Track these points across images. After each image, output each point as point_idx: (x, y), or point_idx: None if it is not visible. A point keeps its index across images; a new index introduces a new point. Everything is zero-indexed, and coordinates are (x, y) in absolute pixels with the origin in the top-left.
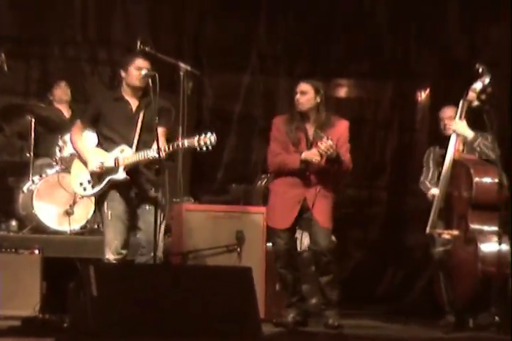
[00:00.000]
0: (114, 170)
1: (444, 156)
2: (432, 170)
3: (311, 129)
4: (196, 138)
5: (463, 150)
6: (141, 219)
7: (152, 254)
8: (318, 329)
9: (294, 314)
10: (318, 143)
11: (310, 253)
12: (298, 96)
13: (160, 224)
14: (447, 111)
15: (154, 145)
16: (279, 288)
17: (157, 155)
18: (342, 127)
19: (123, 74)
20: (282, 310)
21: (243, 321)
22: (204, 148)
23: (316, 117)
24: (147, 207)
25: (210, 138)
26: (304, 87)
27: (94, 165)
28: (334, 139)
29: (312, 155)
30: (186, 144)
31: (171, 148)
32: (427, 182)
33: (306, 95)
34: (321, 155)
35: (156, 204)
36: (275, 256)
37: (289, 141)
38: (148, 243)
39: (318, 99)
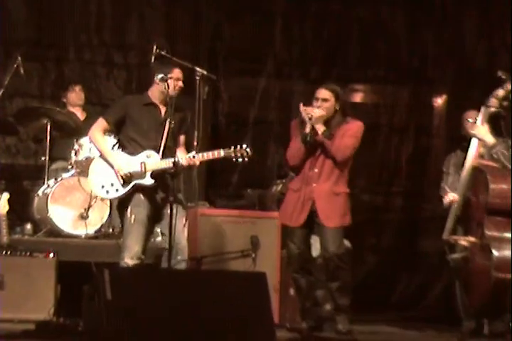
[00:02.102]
0: (140, 175)
1: (464, 161)
2: (452, 175)
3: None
4: (232, 149)
5: (483, 156)
6: (164, 224)
7: (179, 257)
8: (333, 335)
9: (308, 319)
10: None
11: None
12: (319, 103)
13: (184, 227)
14: (472, 113)
15: (182, 154)
16: (293, 293)
17: (185, 163)
18: (353, 125)
19: (158, 81)
20: (296, 315)
21: (257, 326)
22: (240, 160)
23: (331, 121)
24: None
25: (246, 150)
26: (325, 93)
27: (122, 172)
28: (341, 132)
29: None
30: (222, 154)
31: (205, 157)
32: (447, 188)
33: (327, 102)
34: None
35: (172, 208)
36: (289, 261)
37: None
38: (174, 247)
39: (338, 107)
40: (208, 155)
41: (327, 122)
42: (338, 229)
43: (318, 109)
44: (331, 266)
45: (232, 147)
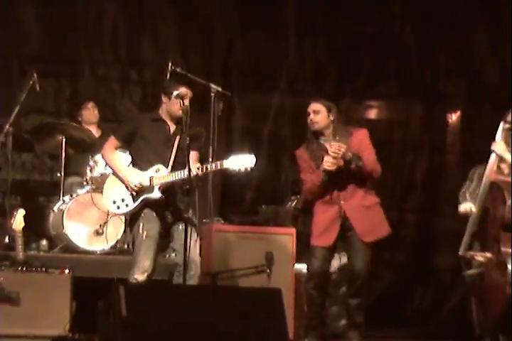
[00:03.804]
0: (149, 189)
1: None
2: (474, 184)
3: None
4: (234, 157)
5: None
6: (175, 240)
7: (192, 272)
8: None
9: (312, 337)
10: (328, 149)
11: (341, 275)
12: (311, 116)
13: (196, 243)
14: None
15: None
16: (307, 309)
17: (192, 175)
18: (360, 135)
19: (164, 99)
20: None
21: None
22: (243, 169)
23: (331, 133)
24: (181, 227)
25: (249, 159)
26: (316, 106)
27: (132, 184)
28: (355, 147)
29: (326, 163)
30: (225, 165)
31: (209, 169)
32: (467, 195)
33: (319, 114)
34: (336, 158)
35: (187, 224)
36: (308, 276)
37: (313, 164)
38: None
39: (332, 117)
40: (212, 166)
41: (328, 133)
42: (369, 246)
43: (338, 143)
44: (358, 283)
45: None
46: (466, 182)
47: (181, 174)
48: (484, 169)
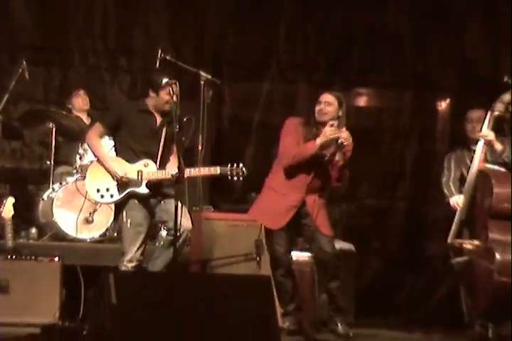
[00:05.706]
0: (136, 183)
1: (466, 160)
2: (453, 171)
3: None
4: (229, 168)
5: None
6: (162, 211)
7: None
8: (334, 338)
9: (288, 323)
10: (325, 128)
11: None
12: (322, 106)
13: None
14: (476, 113)
15: (175, 165)
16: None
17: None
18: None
19: (152, 94)
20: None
21: (262, 330)
22: (235, 178)
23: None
24: (166, 200)
25: (242, 169)
26: (329, 98)
27: (119, 175)
28: None
29: (329, 131)
30: (218, 171)
31: (202, 172)
32: (451, 185)
33: (330, 106)
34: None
35: (177, 206)
36: (275, 264)
37: (303, 140)
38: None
39: (340, 113)
40: (205, 170)
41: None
42: (332, 235)
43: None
44: (331, 265)
45: (229, 165)
46: (444, 171)
47: (170, 174)
48: (459, 155)
